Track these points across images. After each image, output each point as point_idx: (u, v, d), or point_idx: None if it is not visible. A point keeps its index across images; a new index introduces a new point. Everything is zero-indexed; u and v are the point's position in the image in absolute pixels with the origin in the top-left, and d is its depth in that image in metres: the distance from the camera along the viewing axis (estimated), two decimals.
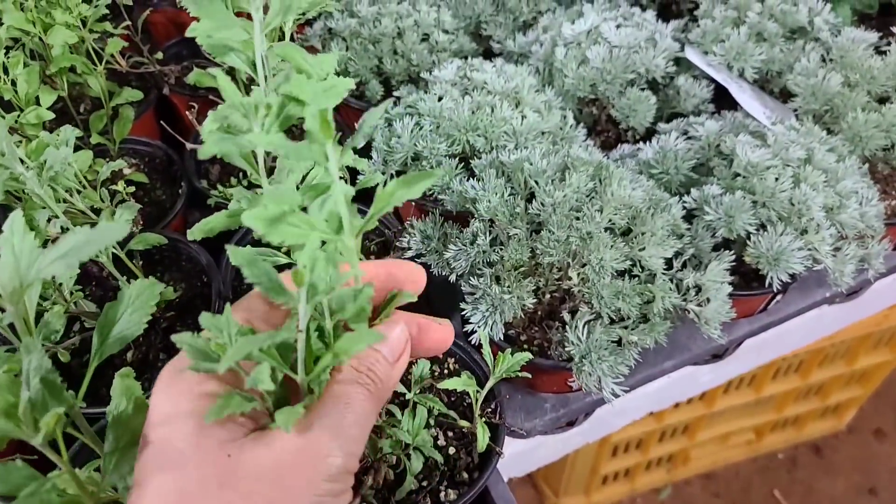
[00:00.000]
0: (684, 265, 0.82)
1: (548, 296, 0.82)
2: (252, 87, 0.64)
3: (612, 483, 1.87)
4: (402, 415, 0.65)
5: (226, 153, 0.54)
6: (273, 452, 0.36)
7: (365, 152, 0.95)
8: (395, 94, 1.05)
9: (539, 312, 0.84)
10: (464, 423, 0.70)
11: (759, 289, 0.89)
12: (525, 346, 0.84)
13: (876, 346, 1.73)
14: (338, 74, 0.71)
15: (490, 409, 0.74)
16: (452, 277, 0.82)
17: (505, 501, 0.80)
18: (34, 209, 0.74)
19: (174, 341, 0.41)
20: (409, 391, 0.66)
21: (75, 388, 0.51)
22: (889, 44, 1.01)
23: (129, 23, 1.03)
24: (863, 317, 1.20)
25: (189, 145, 0.98)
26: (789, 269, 0.82)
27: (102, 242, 0.45)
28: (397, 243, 0.88)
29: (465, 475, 0.73)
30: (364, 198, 0.47)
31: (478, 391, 0.67)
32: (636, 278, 0.79)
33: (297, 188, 0.63)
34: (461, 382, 0.63)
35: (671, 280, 0.81)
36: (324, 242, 0.38)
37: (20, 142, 0.86)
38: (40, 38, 0.91)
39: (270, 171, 0.66)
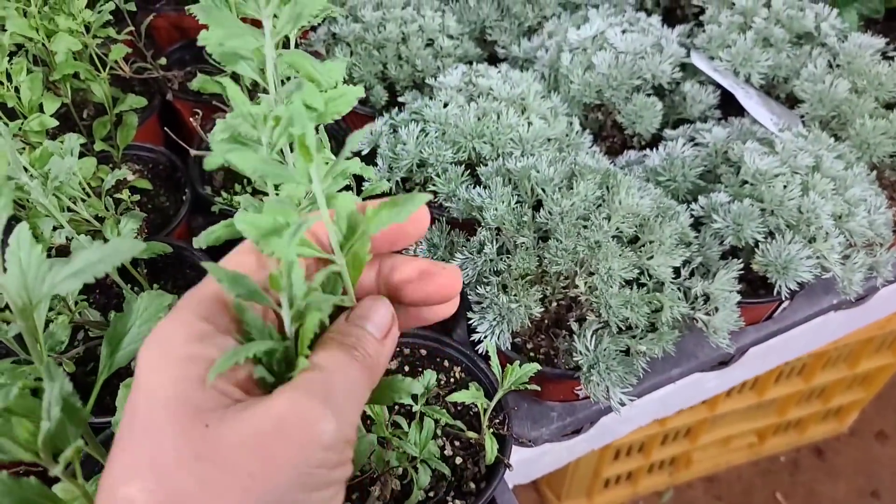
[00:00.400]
0: (692, 273, 0.82)
1: (554, 304, 0.82)
2: (257, 93, 0.64)
3: (615, 486, 1.86)
4: (409, 426, 0.65)
5: (233, 163, 0.53)
6: (256, 421, 0.32)
7: (370, 159, 0.95)
8: (400, 99, 1.05)
9: (546, 320, 0.84)
10: (471, 434, 0.70)
11: (767, 296, 0.88)
12: (531, 355, 0.83)
13: (878, 350, 1.72)
14: (344, 82, 0.70)
15: (498, 421, 0.74)
16: None
17: None
18: (38, 217, 0.74)
19: (205, 268, 0.39)
20: (416, 402, 0.66)
21: (81, 399, 0.51)
22: None
23: (132, 28, 1.03)
24: (869, 322, 1.20)
25: (193, 151, 0.97)
26: (798, 277, 0.81)
27: (115, 260, 0.44)
28: (403, 252, 0.87)
29: (472, 485, 0.73)
30: None
31: (486, 403, 0.66)
32: (644, 287, 0.79)
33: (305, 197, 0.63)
34: (469, 395, 0.63)
35: (679, 288, 0.80)
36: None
37: (24, 148, 0.86)
38: (43, 45, 0.91)
39: None
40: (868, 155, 0.95)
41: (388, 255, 0.42)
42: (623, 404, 0.77)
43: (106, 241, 0.77)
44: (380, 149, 0.93)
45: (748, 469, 2.03)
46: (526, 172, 0.82)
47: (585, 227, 0.78)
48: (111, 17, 0.95)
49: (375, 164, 0.93)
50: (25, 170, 0.69)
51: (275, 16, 0.56)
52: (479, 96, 0.94)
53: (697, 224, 0.87)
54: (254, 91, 0.99)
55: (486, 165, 0.88)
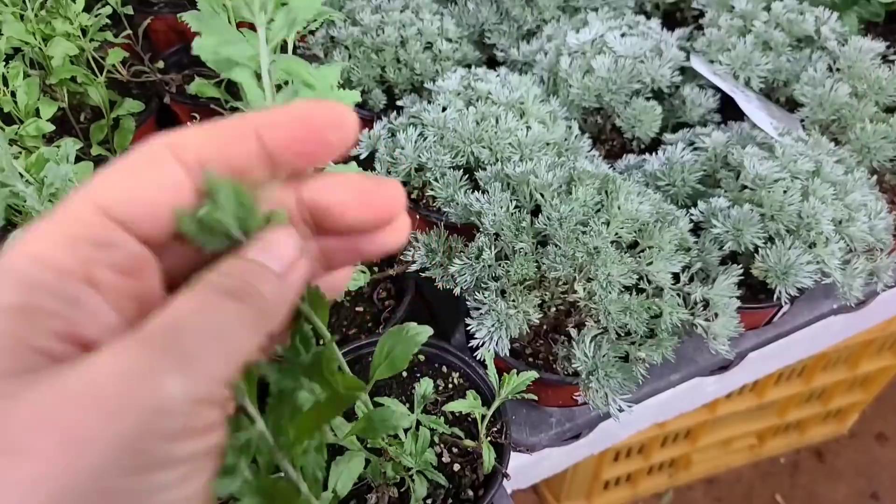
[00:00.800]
0: (692, 279, 0.82)
1: (553, 309, 0.82)
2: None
3: (614, 488, 1.86)
4: (406, 435, 0.64)
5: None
6: (61, 386, 0.23)
7: (369, 163, 0.94)
8: (399, 103, 1.04)
9: (544, 326, 0.84)
10: (469, 442, 0.70)
11: (767, 301, 0.88)
12: (530, 360, 0.83)
13: (879, 351, 1.72)
14: (341, 86, 0.70)
15: (496, 429, 0.73)
16: (456, 291, 0.82)
17: None
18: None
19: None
20: (413, 410, 0.65)
21: None
22: None
23: (129, 31, 1.02)
24: (869, 325, 1.19)
25: None
26: (798, 283, 0.81)
27: None
28: (401, 256, 0.87)
29: (470, 493, 0.73)
30: None
31: (484, 413, 0.66)
32: (643, 293, 0.79)
33: None
34: (467, 405, 0.62)
35: (678, 294, 0.80)
36: None
37: (20, 153, 0.85)
38: (40, 49, 0.90)
39: None
40: (868, 159, 0.95)
41: (311, 174, 0.33)
42: (622, 411, 0.76)
43: None
44: (378, 153, 0.93)
45: (748, 471, 2.03)
46: (525, 177, 0.82)
47: (584, 232, 0.77)
48: (108, 21, 0.95)
49: (374, 169, 0.93)
50: (21, 176, 0.69)
51: (270, 20, 0.56)
52: (477, 100, 0.94)
53: (697, 229, 0.86)
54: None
55: (485, 170, 0.88)
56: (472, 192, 0.86)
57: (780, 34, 1.03)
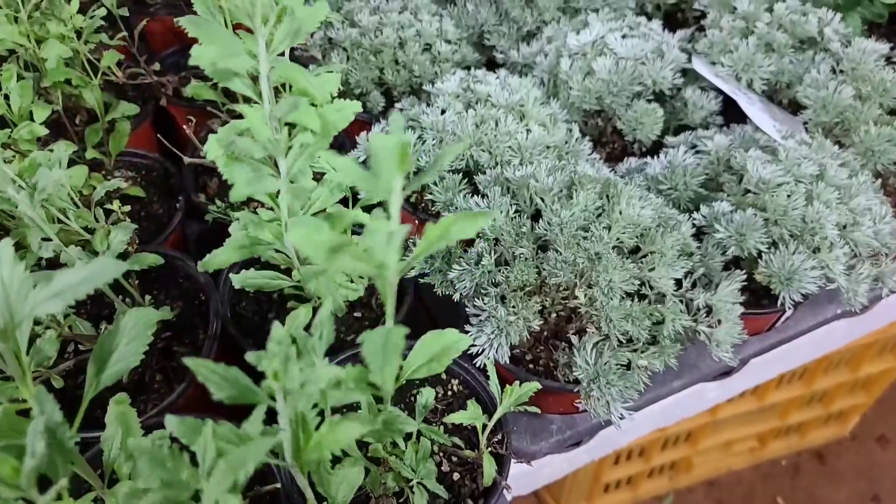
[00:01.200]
0: (694, 284, 0.80)
1: (554, 315, 0.80)
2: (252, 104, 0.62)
3: (615, 491, 1.85)
4: (406, 445, 0.63)
5: (252, 194, 0.54)
6: None
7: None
8: (398, 105, 1.03)
9: (545, 332, 0.82)
10: (469, 453, 0.69)
11: (770, 306, 0.87)
12: (531, 366, 0.82)
13: (880, 354, 1.71)
14: (342, 93, 0.69)
15: (496, 440, 0.72)
16: (456, 296, 0.81)
17: None
18: (26, 229, 0.72)
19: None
20: (414, 419, 0.64)
21: (69, 413, 0.49)
22: None
23: (125, 33, 1.01)
24: (873, 329, 1.18)
25: (187, 159, 0.96)
26: (802, 289, 0.80)
27: (98, 281, 0.43)
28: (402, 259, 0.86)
29: (470, 502, 0.72)
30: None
31: (485, 425, 0.65)
32: (645, 299, 0.77)
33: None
34: (468, 416, 0.61)
35: (681, 300, 0.79)
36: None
37: (13, 157, 0.84)
38: (34, 51, 0.89)
39: None
40: (873, 162, 0.94)
41: None
42: (623, 418, 0.75)
43: (95, 253, 0.76)
44: None
45: (749, 473, 2.02)
46: (525, 181, 0.81)
47: (585, 237, 0.76)
48: (103, 23, 0.94)
49: None
50: (13, 181, 0.68)
51: (271, 34, 0.55)
52: (477, 103, 0.92)
53: (699, 234, 0.85)
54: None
55: (485, 174, 0.86)
56: (472, 196, 0.85)
57: (783, 35, 1.02)
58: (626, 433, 1.07)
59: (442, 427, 0.75)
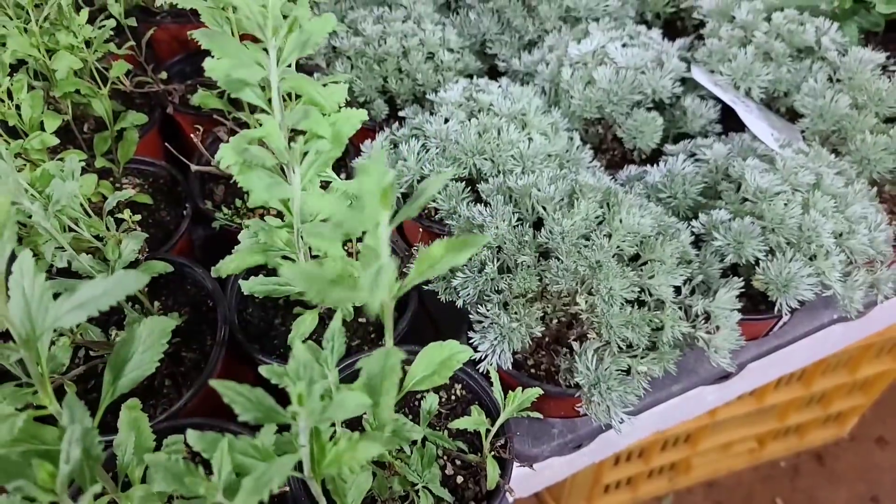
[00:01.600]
0: (693, 291, 0.82)
1: (555, 321, 0.82)
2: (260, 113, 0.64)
3: (615, 491, 1.87)
4: (412, 451, 0.65)
5: (269, 200, 0.56)
6: None
7: None
8: (401, 113, 1.05)
9: (546, 337, 0.84)
10: (472, 457, 0.70)
11: (767, 311, 0.88)
12: (532, 371, 0.83)
13: (878, 356, 1.73)
14: (346, 102, 0.70)
15: (500, 444, 0.74)
16: (459, 303, 0.82)
17: None
18: (38, 237, 0.74)
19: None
20: (419, 425, 0.66)
21: None
22: None
23: (132, 42, 1.02)
24: (868, 334, 1.20)
25: (194, 166, 0.98)
26: (799, 295, 0.81)
27: (120, 294, 0.45)
28: (405, 269, 0.87)
29: None
30: None
31: (488, 429, 0.66)
32: (645, 306, 0.79)
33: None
34: (471, 422, 0.63)
35: (680, 306, 0.80)
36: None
37: (24, 165, 0.86)
38: (44, 61, 0.91)
39: None
40: (868, 171, 0.95)
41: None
42: (623, 422, 0.77)
43: (106, 260, 0.77)
44: None
45: (748, 474, 2.04)
46: (527, 190, 0.82)
47: (586, 246, 0.78)
48: (111, 33, 0.95)
49: None
50: (26, 191, 0.69)
51: (280, 47, 0.57)
52: (479, 112, 0.94)
53: (698, 241, 0.87)
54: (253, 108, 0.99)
55: (487, 182, 0.88)
56: (475, 204, 0.86)
57: (781, 45, 1.04)
58: (626, 436, 1.09)
59: (446, 431, 0.76)
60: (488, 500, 0.72)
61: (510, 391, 0.67)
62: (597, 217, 0.80)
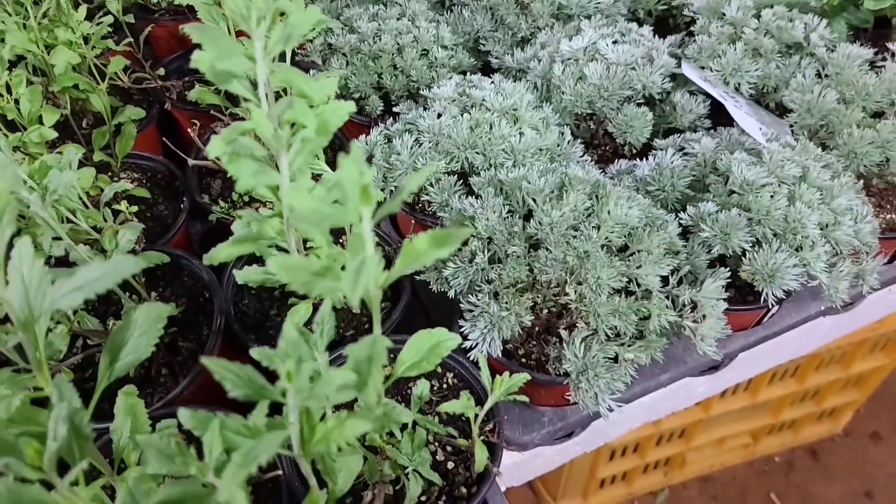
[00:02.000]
0: (680, 281, 0.84)
1: (545, 311, 0.84)
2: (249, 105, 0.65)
3: (610, 486, 1.88)
4: (402, 435, 0.66)
5: (256, 186, 0.57)
6: None
7: None
8: (395, 109, 1.06)
9: (537, 327, 0.86)
10: (462, 441, 0.72)
11: (755, 303, 0.90)
12: (523, 361, 0.85)
13: (871, 351, 1.74)
14: (340, 96, 0.72)
15: (489, 429, 0.75)
16: (451, 293, 0.84)
17: None
18: (36, 228, 0.75)
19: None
20: (409, 410, 0.67)
21: None
22: (884, 59, 1.02)
23: (130, 39, 1.04)
24: (857, 327, 1.21)
25: (191, 161, 0.99)
26: (784, 285, 0.83)
27: (116, 277, 0.46)
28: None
29: (464, 490, 0.75)
30: None
31: (476, 413, 0.68)
32: (633, 295, 0.81)
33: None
34: (461, 405, 0.64)
35: (667, 296, 0.82)
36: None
37: (23, 159, 0.87)
38: (43, 57, 0.92)
39: None
40: (855, 164, 0.96)
41: None
42: (612, 410, 0.78)
43: (104, 251, 0.79)
44: (374, 159, 0.95)
45: (743, 469, 2.05)
46: (517, 183, 0.84)
47: (575, 236, 0.79)
48: (110, 29, 0.97)
49: None
50: (25, 182, 0.71)
51: (267, 35, 0.58)
52: (472, 107, 0.95)
53: (685, 233, 0.88)
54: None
55: (479, 175, 0.89)
56: (466, 197, 0.88)
57: (770, 41, 1.05)
58: (617, 426, 1.10)
59: (437, 417, 0.78)
60: (478, 484, 0.74)
61: (498, 376, 0.68)
62: (586, 209, 0.81)
